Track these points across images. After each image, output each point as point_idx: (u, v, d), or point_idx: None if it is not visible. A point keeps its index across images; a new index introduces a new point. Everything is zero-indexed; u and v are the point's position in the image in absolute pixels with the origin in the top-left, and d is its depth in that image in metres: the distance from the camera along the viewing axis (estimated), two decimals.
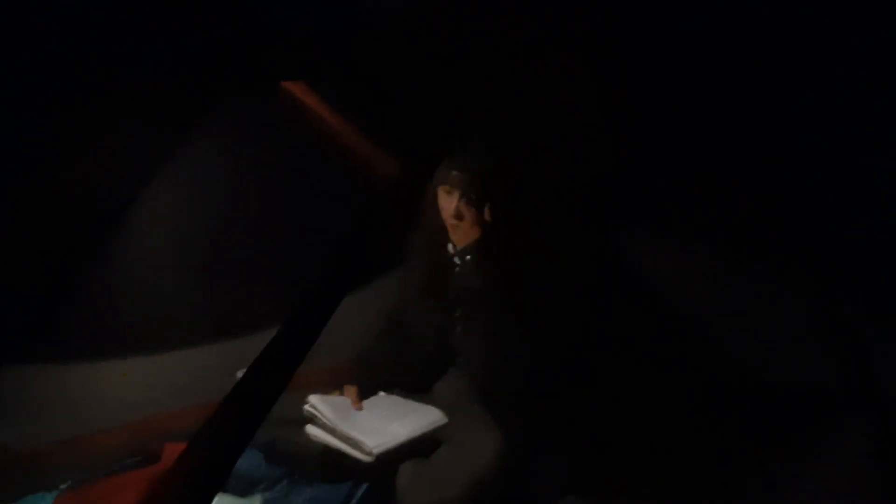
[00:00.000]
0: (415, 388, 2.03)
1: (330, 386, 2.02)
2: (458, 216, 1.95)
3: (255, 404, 1.10)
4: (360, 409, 1.95)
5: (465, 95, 1.97)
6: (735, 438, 1.92)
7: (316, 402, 1.91)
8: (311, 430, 1.89)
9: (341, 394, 1.99)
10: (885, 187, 1.72)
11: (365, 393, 2.00)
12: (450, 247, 2.01)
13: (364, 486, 1.80)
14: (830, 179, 1.83)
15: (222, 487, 1.73)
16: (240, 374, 1.82)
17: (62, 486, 1.81)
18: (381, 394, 2.03)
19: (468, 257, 1.99)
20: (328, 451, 1.86)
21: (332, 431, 1.87)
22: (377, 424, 1.88)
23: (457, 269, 2.00)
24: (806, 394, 1.92)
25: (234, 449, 1.10)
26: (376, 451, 1.80)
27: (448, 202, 1.95)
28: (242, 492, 1.84)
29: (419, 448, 1.85)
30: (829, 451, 1.81)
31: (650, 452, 1.88)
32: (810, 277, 1.95)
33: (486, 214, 1.95)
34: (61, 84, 1.62)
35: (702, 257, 2.10)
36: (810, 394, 1.92)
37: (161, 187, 2.12)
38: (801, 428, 1.89)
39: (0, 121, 1.53)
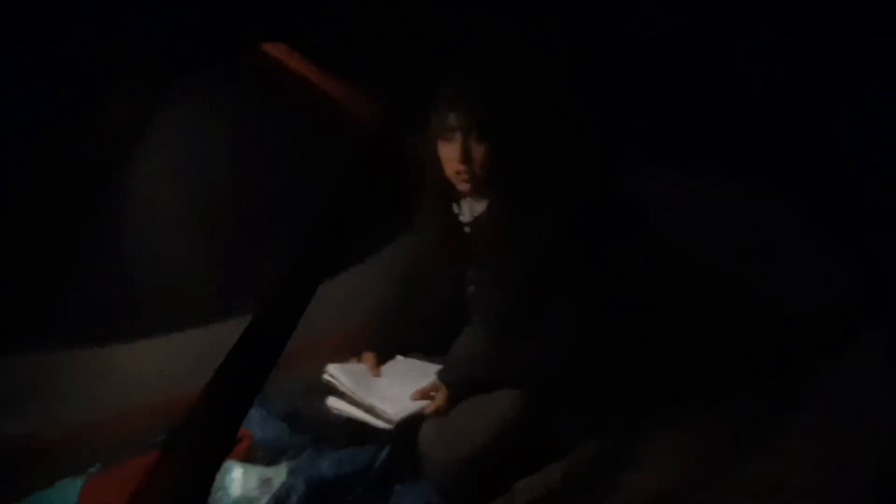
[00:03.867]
0: (432, 349, 2.03)
1: (347, 352, 2.02)
2: (466, 158, 1.83)
3: (244, 380, 1.11)
4: (379, 375, 1.96)
5: (446, 29, 1.90)
6: (748, 363, 1.93)
7: (334, 372, 1.91)
8: (331, 402, 1.90)
9: (359, 360, 2.00)
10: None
11: (383, 358, 2.01)
12: (456, 206, 1.98)
13: (387, 447, 1.82)
14: (832, 99, 1.78)
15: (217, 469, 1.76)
16: None
17: (91, 469, 1.85)
18: (399, 357, 2.03)
19: (477, 215, 1.95)
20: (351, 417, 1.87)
21: (352, 401, 1.87)
22: (396, 391, 1.88)
23: (466, 228, 1.97)
24: (819, 315, 1.91)
25: (229, 430, 1.11)
26: (397, 418, 1.81)
27: (450, 150, 1.85)
28: (269, 462, 1.86)
29: None
30: (843, 368, 1.82)
31: (665, 387, 1.89)
32: (817, 196, 1.91)
33: (492, 153, 1.84)
34: (45, 60, 1.62)
35: (706, 185, 2.06)
36: (824, 315, 1.91)
37: (164, 164, 2.14)
38: (816, 349, 1.88)
39: None
